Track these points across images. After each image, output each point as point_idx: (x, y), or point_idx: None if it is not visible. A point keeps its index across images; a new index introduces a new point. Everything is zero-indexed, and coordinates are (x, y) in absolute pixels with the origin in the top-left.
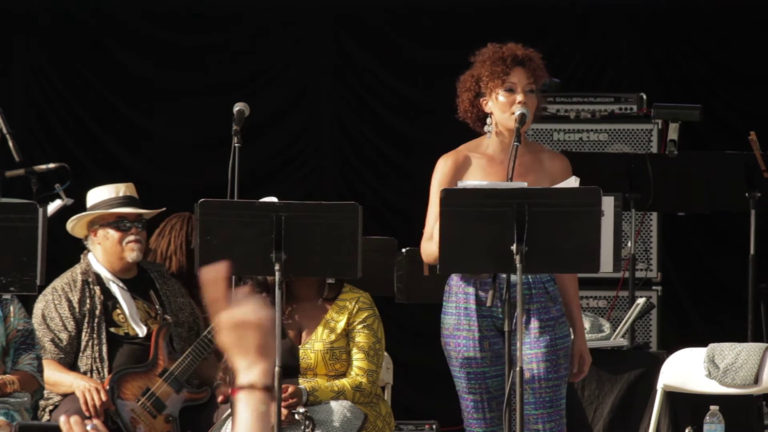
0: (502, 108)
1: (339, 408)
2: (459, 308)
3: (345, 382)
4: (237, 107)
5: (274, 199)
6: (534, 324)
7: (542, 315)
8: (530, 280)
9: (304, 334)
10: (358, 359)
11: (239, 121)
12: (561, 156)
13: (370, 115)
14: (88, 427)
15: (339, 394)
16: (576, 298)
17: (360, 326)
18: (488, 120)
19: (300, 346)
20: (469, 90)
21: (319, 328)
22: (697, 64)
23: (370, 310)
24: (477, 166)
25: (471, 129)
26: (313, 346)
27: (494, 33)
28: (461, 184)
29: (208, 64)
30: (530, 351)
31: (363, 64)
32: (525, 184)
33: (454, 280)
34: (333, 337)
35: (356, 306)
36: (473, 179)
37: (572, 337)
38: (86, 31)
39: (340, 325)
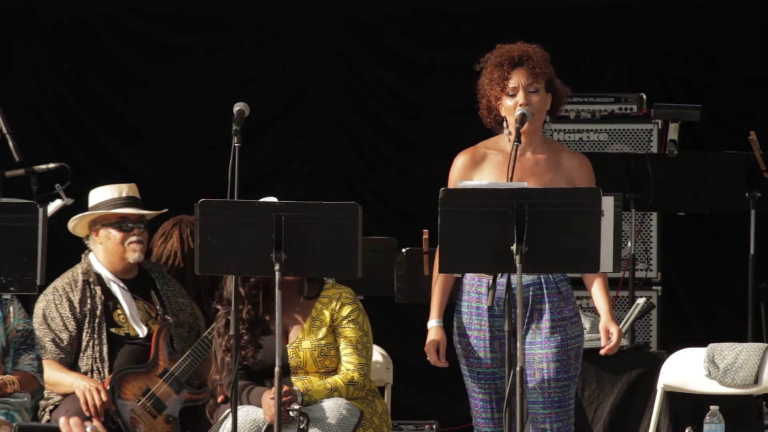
0: (509, 111)
1: (335, 406)
2: (471, 307)
3: (337, 379)
4: (237, 107)
5: (274, 199)
6: (545, 324)
7: (554, 315)
8: (542, 279)
9: (290, 334)
10: (347, 354)
11: (239, 121)
12: (580, 155)
13: (370, 115)
14: (88, 429)
15: (333, 391)
16: (602, 285)
17: (345, 321)
18: (504, 123)
19: (287, 346)
20: (483, 97)
21: (305, 327)
22: (697, 64)
23: (354, 305)
24: (492, 163)
25: (470, 128)
26: (301, 344)
27: (494, 33)
28: (461, 184)
29: (209, 64)
30: (541, 351)
31: (363, 64)
32: (525, 184)
33: (468, 279)
34: (320, 334)
35: (339, 301)
36: (487, 175)
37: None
38: (86, 31)
39: (326, 322)
